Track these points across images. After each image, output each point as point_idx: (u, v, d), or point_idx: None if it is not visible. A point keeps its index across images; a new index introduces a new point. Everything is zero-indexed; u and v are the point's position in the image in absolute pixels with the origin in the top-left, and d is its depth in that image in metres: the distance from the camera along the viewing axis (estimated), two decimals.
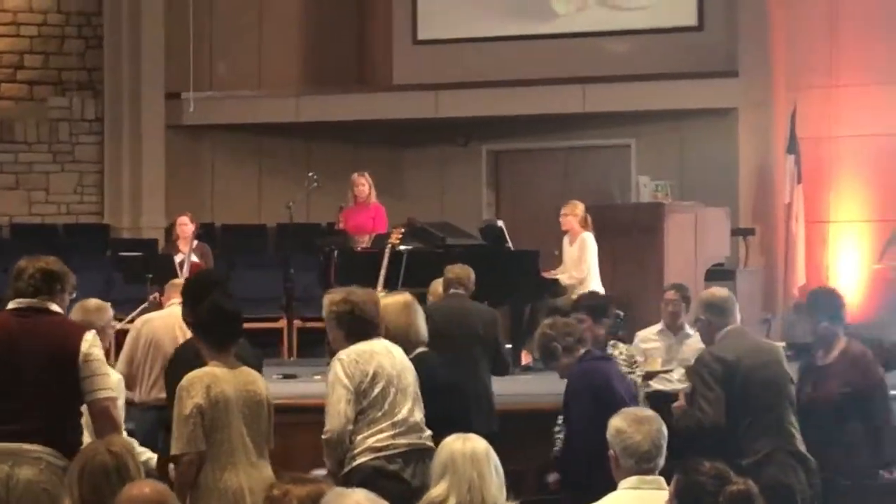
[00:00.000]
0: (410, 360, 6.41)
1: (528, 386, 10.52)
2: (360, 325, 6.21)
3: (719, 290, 7.04)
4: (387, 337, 6.41)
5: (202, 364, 5.63)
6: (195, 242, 12.71)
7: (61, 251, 15.63)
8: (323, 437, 6.13)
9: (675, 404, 6.96)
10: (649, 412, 4.90)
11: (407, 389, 6.23)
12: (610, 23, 16.09)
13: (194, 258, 12.59)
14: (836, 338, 7.03)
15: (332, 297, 6.34)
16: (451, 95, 16.08)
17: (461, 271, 8.74)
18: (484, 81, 15.93)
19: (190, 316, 6.05)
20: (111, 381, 5.37)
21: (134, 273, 12.71)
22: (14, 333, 5.40)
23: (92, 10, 16.84)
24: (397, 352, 6.33)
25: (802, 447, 6.43)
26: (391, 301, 6.70)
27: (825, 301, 7.14)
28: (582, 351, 6.53)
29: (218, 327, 5.66)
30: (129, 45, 16.55)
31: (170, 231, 14.09)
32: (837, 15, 14.66)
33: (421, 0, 16.71)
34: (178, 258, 12.51)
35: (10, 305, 5.53)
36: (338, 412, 6.05)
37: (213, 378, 5.52)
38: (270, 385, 6.02)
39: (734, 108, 15.06)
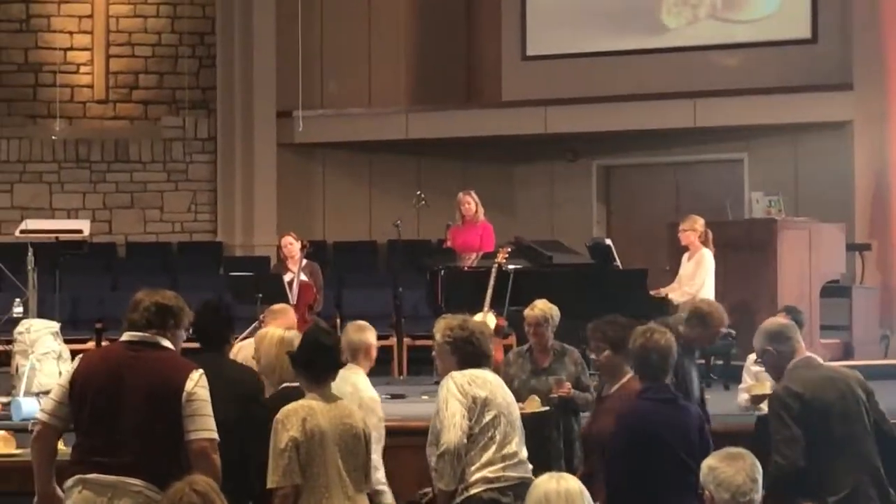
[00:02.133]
0: (278, 393, 6.23)
1: None
2: (475, 354, 6.15)
3: (779, 319, 6.69)
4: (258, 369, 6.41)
5: None
6: (304, 261, 12.74)
7: (175, 269, 16.04)
8: (439, 451, 5.99)
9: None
10: (741, 450, 4.79)
11: (515, 423, 6.18)
12: (721, 36, 15.92)
13: (303, 277, 12.62)
14: (621, 369, 6.67)
15: (448, 323, 6.26)
16: (560, 111, 16.01)
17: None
18: (593, 97, 15.84)
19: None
20: (213, 423, 5.34)
21: (244, 292, 12.76)
22: (122, 366, 5.41)
23: (205, 31, 17.08)
24: (504, 385, 6.29)
25: (885, 480, 6.21)
26: (267, 334, 6.57)
27: (611, 329, 6.75)
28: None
29: (314, 360, 5.65)
30: (241, 64, 16.75)
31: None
32: None
33: (530, 16, 16.67)
34: (287, 277, 12.54)
35: (123, 337, 5.54)
36: (454, 424, 5.95)
37: (310, 411, 5.51)
38: None
39: (849, 122, 14.81)
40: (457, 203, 12.88)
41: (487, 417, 6.05)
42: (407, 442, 8.03)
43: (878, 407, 6.32)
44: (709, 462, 4.71)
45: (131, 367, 5.38)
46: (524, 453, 6.21)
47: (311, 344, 5.70)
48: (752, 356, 9.00)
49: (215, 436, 5.29)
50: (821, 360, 6.48)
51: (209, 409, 5.31)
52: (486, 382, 6.12)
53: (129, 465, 5.27)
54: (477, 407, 6.03)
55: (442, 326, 6.26)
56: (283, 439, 5.42)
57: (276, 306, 8.49)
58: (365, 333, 6.86)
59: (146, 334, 5.46)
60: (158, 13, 17.01)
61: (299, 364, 5.70)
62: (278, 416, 5.49)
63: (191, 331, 5.82)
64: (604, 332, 6.74)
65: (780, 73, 15.34)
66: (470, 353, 6.15)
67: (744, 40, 15.81)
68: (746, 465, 4.67)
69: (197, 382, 5.33)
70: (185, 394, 5.29)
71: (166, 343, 5.47)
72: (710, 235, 12.10)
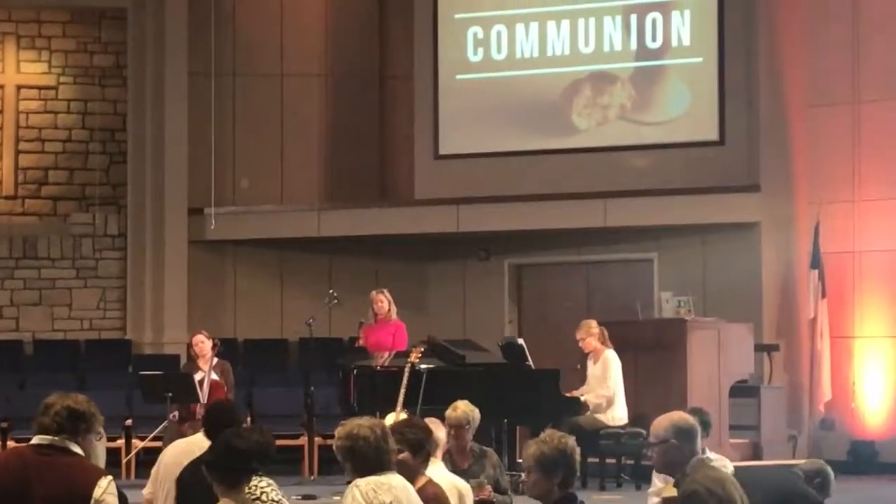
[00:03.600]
0: None
1: None
2: (364, 460, 6.05)
3: (688, 416, 6.63)
4: None
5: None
6: (215, 360, 12.65)
7: (84, 367, 15.82)
8: None
9: None
10: None
11: None
12: (631, 137, 16.11)
13: (214, 376, 12.52)
14: (417, 474, 6.51)
15: (338, 431, 6.16)
16: (472, 210, 16.09)
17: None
18: (505, 196, 15.95)
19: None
20: None
21: (154, 391, 12.66)
22: (29, 470, 5.32)
23: (116, 127, 17.01)
24: (412, 488, 6.21)
25: None
26: None
27: (411, 431, 6.77)
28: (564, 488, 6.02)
29: (229, 466, 5.57)
30: (152, 161, 16.67)
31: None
32: (860, 129, 14.66)
33: (442, 115, 16.78)
34: (197, 376, 12.45)
35: (33, 441, 5.45)
36: None
37: None
38: None
39: (757, 223, 15.04)
40: (370, 301, 12.90)
41: None
42: None
43: None
44: None
45: (39, 471, 5.29)
46: None
47: (225, 448, 5.62)
48: None
49: None
50: (714, 462, 6.48)
51: None
52: (390, 488, 5.99)
53: None
54: None
55: (336, 434, 6.18)
56: None
57: None
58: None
59: (56, 438, 5.38)
60: (69, 109, 16.92)
61: (213, 469, 5.61)
62: None
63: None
64: (403, 434, 6.66)
65: (689, 174, 15.55)
66: (360, 460, 6.02)
67: (653, 142, 16.01)
68: None
69: (105, 490, 5.24)
70: (92, 501, 5.21)
71: (76, 448, 5.39)
72: (607, 334, 12.25)
